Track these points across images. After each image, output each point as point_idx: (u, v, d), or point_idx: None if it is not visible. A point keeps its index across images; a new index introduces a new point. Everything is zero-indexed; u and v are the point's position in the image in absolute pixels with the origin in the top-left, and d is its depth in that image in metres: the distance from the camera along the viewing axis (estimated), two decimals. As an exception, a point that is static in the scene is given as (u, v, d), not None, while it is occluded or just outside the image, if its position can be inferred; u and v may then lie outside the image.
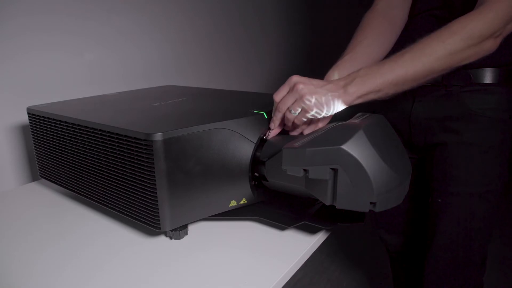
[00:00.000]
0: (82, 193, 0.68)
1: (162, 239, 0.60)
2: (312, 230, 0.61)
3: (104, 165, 0.60)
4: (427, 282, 0.85)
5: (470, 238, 0.79)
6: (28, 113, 0.74)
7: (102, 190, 0.63)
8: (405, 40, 0.80)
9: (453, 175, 0.79)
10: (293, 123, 0.61)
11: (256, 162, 0.61)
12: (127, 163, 0.56)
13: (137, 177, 0.55)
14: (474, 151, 0.76)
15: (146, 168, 0.53)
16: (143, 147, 0.52)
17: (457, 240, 0.79)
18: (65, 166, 0.69)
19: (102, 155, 0.60)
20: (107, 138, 0.58)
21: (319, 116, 0.59)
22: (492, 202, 0.78)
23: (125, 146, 0.55)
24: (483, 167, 0.76)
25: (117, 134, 0.56)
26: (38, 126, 0.73)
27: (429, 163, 0.84)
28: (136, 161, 0.54)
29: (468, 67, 0.74)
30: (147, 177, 0.53)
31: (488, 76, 0.73)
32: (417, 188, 0.89)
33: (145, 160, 0.53)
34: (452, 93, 0.76)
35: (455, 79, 0.75)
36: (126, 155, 0.55)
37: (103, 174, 0.61)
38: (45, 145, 0.73)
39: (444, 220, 0.80)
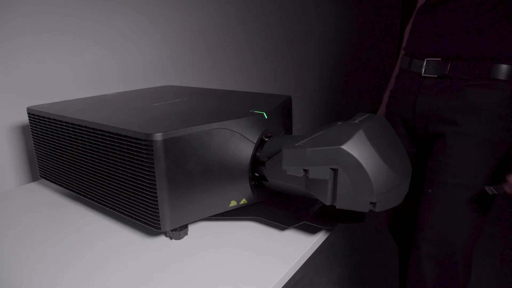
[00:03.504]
0: (82, 193, 0.68)
1: (162, 239, 0.60)
2: (312, 230, 0.61)
3: (104, 165, 0.60)
4: (410, 278, 0.84)
5: (453, 233, 0.78)
6: (28, 113, 0.74)
7: (102, 190, 0.63)
8: (436, 28, 0.80)
9: (445, 164, 0.79)
10: None
11: (256, 162, 0.61)
12: (127, 163, 0.56)
13: (137, 177, 0.55)
14: (468, 143, 0.76)
15: (146, 168, 0.53)
16: (143, 147, 0.52)
17: (441, 234, 0.79)
18: (65, 166, 0.69)
19: (102, 155, 0.60)
20: (107, 138, 0.58)
21: None
22: (479, 199, 0.77)
23: (125, 146, 0.55)
24: (475, 160, 0.76)
25: (117, 134, 0.56)
26: (38, 126, 0.73)
27: (427, 154, 0.84)
28: (136, 161, 0.54)
29: (474, 59, 0.73)
30: (147, 177, 0.53)
31: (495, 71, 0.72)
32: (418, 181, 0.89)
33: (145, 160, 0.53)
34: (456, 86, 0.76)
35: (461, 72, 0.75)
36: (126, 155, 0.55)
37: (103, 174, 0.61)
38: (45, 145, 0.73)
39: (431, 211, 0.80)
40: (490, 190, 0.70)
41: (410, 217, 0.96)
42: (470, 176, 0.77)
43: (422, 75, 0.82)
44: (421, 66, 0.82)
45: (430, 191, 0.81)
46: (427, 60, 0.80)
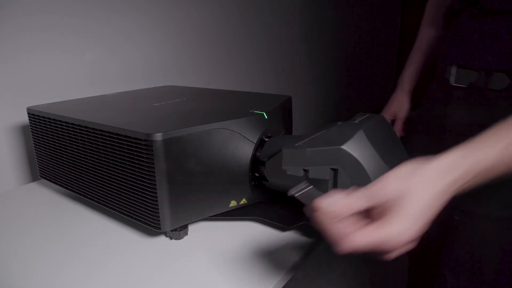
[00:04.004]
0: (82, 193, 0.68)
1: (162, 239, 0.60)
2: (312, 230, 0.61)
3: (104, 165, 0.60)
4: None
5: (481, 266, 0.71)
6: (28, 113, 0.74)
7: (102, 190, 0.63)
8: (469, 36, 0.70)
9: (472, 192, 0.72)
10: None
11: (256, 162, 0.61)
12: (127, 163, 0.56)
13: (137, 177, 0.55)
14: None
15: (146, 168, 0.53)
16: (143, 147, 0.52)
17: (468, 267, 0.73)
18: (65, 166, 0.69)
19: (102, 155, 0.60)
20: (107, 138, 0.58)
21: None
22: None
23: (125, 146, 0.55)
24: (507, 188, 0.67)
25: (117, 134, 0.56)
26: (38, 126, 0.73)
27: None
28: (136, 161, 0.54)
29: (509, 69, 0.64)
30: (147, 177, 0.53)
31: None
32: None
33: (145, 160, 0.53)
34: (487, 98, 0.67)
35: (493, 82, 0.66)
36: (126, 155, 0.55)
37: (103, 174, 0.61)
38: (45, 145, 0.73)
39: (456, 241, 0.74)
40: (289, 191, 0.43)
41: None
42: (498, 205, 0.69)
43: (453, 84, 0.73)
44: (452, 74, 0.73)
45: (457, 218, 0.73)
46: (458, 68, 0.72)
